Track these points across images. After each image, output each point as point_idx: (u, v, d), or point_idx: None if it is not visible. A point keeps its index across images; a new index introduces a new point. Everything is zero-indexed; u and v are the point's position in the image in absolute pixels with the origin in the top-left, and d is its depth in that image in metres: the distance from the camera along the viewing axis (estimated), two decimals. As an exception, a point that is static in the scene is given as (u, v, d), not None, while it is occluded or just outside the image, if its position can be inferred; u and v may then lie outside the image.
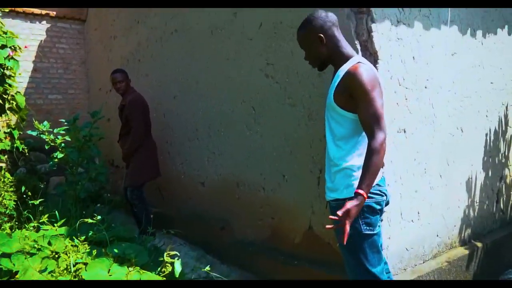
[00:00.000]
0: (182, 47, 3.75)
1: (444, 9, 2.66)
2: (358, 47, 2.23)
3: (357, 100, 1.66)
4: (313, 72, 2.44)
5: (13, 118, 4.45)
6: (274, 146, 2.84)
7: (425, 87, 2.54)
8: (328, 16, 1.78)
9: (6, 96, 3.74)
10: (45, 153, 4.98)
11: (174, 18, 3.81)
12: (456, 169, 2.82)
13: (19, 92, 3.97)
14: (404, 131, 2.41)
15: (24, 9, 5.10)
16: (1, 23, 3.73)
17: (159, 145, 4.06)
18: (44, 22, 5.36)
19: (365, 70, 1.66)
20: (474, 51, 2.93)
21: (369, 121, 1.62)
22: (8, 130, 3.96)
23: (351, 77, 1.66)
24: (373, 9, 2.23)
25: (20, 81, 5.16)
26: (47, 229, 2.67)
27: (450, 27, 2.72)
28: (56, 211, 2.99)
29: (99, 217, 2.32)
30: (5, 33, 3.65)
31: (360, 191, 1.56)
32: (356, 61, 1.72)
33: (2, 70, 3.53)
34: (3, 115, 3.83)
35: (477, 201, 3.04)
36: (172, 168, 4.10)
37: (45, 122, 3.52)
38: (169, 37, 3.91)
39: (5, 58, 3.50)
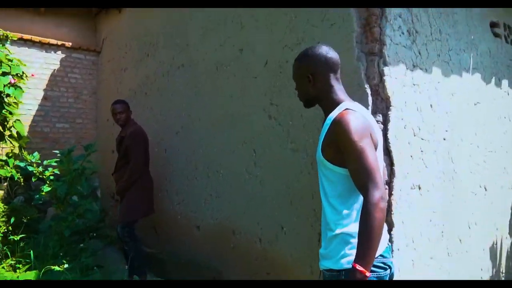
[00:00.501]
0: (187, 82, 3.63)
1: (465, 55, 2.47)
2: (368, 91, 2.03)
3: (344, 152, 1.42)
4: (318, 116, 2.23)
5: (16, 146, 4.37)
6: (274, 193, 2.60)
7: (444, 139, 2.30)
8: (327, 57, 1.56)
9: (6, 124, 3.65)
10: (45, 182, 4.85)
11: (181, 52, 3.72)
12: (479, 232, 2.52)
13: (18, 120, 3.87)
14: (419, 188, 2.14)
15: (41, 38, 5.16)
16: (8, 50, 3.71)
17: (158, 181, 3.88)
18: (59, 52, 5.41)
19: (354, 118, 1.43)
20: (500, 102, 2.70)
21: (359, 176, 1.37)
22: (5, 158, 3.84)
23: (337, 125, 1.44)
24: (385, 51, 2.05)
25: (29, 109, 5.13)
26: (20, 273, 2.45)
27: (472, 75, 2.51)
28: (32, 251, 2.75)
29: (66, 265, 2.08)
30: (11, 60, 3.60)
31: (358, 267, 1.28)
32: (344, 107, 1.50)
33: (1, 97, 3.44)
34: (1, 143, 3.72)
35: (503, 271, 2.68)
36: (169, 207, 3.88)
37: (35, 153, 3.38)
38: (176, 72, 3.82)
39: (5, 86, 3.43)
